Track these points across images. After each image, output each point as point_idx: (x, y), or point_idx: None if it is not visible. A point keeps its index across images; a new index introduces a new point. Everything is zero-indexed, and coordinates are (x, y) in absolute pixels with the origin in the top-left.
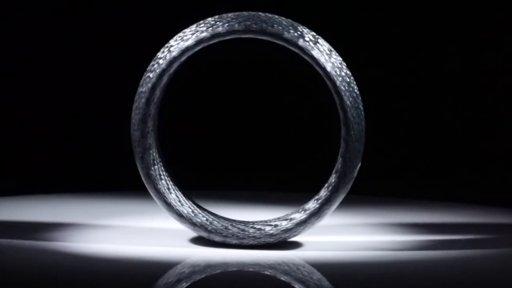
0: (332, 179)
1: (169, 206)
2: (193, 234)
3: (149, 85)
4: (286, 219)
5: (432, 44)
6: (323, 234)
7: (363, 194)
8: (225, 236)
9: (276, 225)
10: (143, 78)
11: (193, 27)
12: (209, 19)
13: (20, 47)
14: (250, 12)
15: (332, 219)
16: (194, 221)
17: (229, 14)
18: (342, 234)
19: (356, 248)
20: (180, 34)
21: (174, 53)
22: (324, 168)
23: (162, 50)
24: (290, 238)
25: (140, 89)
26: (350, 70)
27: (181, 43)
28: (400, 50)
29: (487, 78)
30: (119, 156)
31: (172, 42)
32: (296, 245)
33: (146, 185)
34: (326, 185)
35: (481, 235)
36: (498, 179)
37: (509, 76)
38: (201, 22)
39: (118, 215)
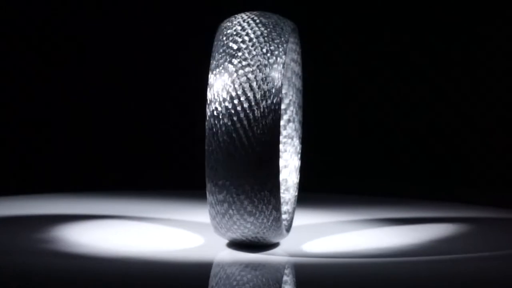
0: (297, 161)
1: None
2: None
3: (281, 94)
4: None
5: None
6: (322, 234)
7: (358, 194)
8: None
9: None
10: (268, 87)
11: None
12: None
13: (22, 45)
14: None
15: (329, 218)
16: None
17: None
18: (334, 233)
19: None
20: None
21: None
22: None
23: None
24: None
25: (274, 99)
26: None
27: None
28: (395, 48)
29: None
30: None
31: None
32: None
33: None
34: (294, 168)
35: (480, 234)
36: (497, 178)
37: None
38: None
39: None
